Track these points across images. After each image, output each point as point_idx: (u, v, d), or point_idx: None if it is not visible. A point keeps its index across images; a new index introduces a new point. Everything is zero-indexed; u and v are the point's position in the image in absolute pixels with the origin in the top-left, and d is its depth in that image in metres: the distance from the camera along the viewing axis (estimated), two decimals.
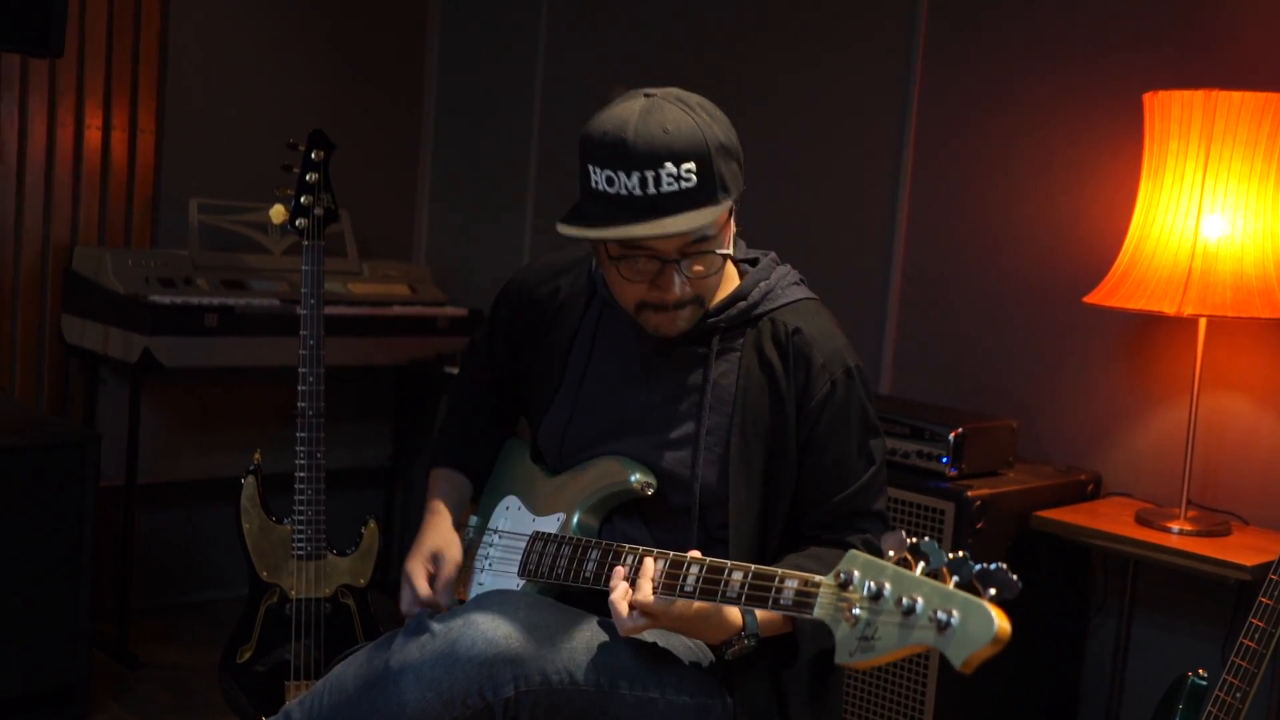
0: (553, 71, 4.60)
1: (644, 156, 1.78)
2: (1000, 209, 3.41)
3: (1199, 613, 3.03)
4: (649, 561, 1.75)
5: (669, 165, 1.78)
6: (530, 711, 1.76)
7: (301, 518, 3.05)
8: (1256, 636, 2.32)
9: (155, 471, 4.16)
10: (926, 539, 1.44)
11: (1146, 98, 2.84)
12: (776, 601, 1.60)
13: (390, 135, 4.94)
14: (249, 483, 3.06)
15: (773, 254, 2.11)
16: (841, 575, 1.48)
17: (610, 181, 1.80)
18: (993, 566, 1.38)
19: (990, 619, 1.32)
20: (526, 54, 4.67)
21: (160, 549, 4.33)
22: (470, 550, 2.11)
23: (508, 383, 2.24)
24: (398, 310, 4.40)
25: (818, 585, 1.55)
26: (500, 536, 2.06)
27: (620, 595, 1.75)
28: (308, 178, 3.12)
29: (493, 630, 1.75)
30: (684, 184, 1.79)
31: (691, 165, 1.79)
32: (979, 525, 2.87)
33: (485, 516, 2.12)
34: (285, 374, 3.21)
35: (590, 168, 1.83)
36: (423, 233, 5.06)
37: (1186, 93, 2.73)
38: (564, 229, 1.88)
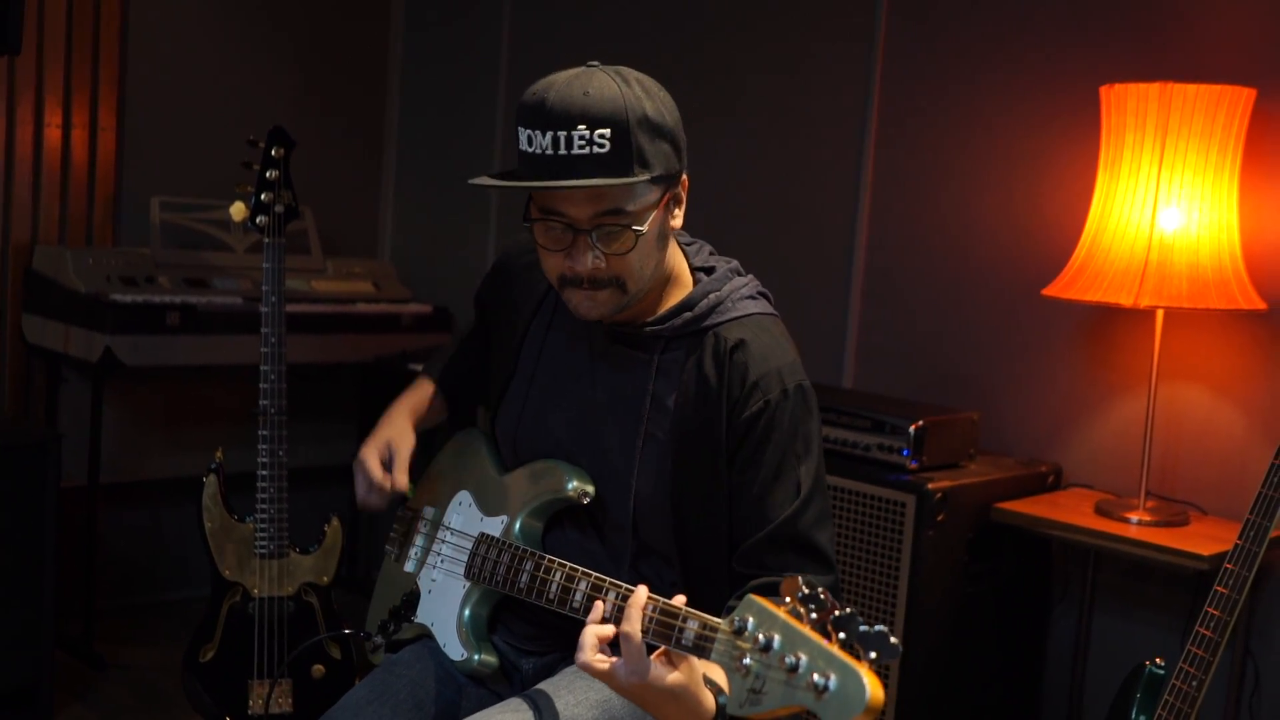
0: (517, 68, 4.59)
1: (559, 117, 1.76)
2: (960, 202, 3.43)
3: (1159, 602, 3.06)
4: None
5: (582, 128, 1.75)
6: None
7: (264, 516, 3.05)
8: (1212, 625, 2.34)
9: (118, 471, 4.15)
10: (820, 590, 1.43)
11: (1103, 91, 2.86)
12: (679, 641, 1.56)
13: (354, 132, 4.92)
14: (210, 481, 3.06)
15: (734, 263, 2.04)
16: (736, 622, 1.46)
17: (530, 141, 1.79)
18: (875, 629, 1.38)
19: (863, 689, 1.31)
20: (491, 50, 4.67)
21: (123, 548, 4.31)
22: (427, 541, 2.12)
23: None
24: (361, 308, 4.39)
25: (715, 630, 1.52)
26: (452, 534, 2.07)
27: (598, 631, 1.63)
28: (268, 175, 3.12)
29: None
30: (596, 149, 1.75)
31: (606, 132, 1.75)
32: (940, 517, 2.88)
33: (441, 509, 2.12)
34: (248, 372, 3.20)
35: (518, 129, 1.82)
36: (387, 230, 5.05)
37: (1142, 85, 2.76)
38: (473, 180, 1.88)
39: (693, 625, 1.56)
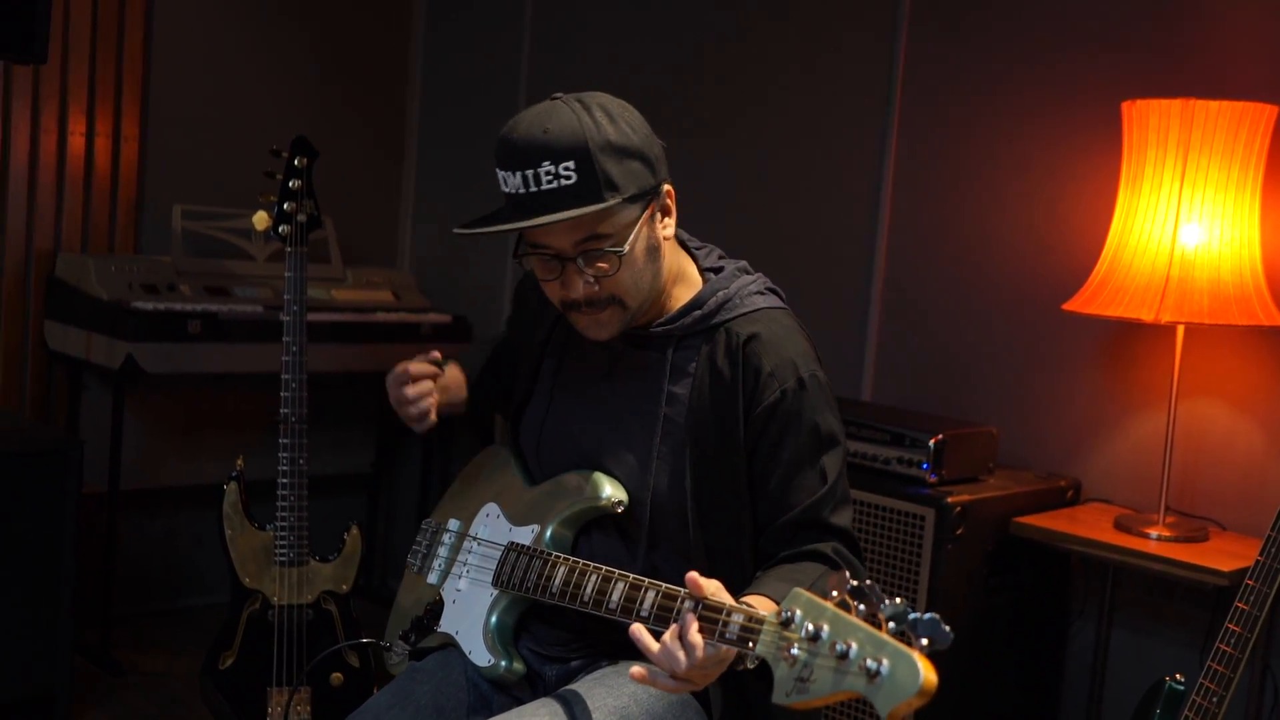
0: (537, 79, 4.61)
1: (523, 156, 1.83)
2: (980, 216, 3.43)
3: (1178, 618, 3.05)
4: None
5: (546, 164, 1.82)
6: None
7: (284, 524, 3.06)
8: (1233, 642, 2.33)
9: (138, 478, 4.16)
10: (868, 582, 1.45)
11: (1125, 106, 2.86)
12: (722, 635, 1.59)
13: (375, 141, 4.94)
14: (231, 489, 3.07)
15: (742, 262, 2.09)
16: (784, 614, 1.49)
17: (505, 181, 1.87)
18: (926, 616, 1.40)
19: (917, 671, 1.34)
20: (511, 61, 4.68)
21: (143, 555, 4.33)
22: (452, 552, 2.13)
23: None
24: (381, 317, 4.40)
25: (761, 622, 1.55)
26: (479, 544, 2.08)
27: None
28: (291, 184, 3.14)
29: None
30: (563, 181, 1.82)
31: (570, 164, 1.82)
32: (959, 531, 2.88)
33: (466, 521, 2.13)
34: (268, 380, 3.21)
35: (497, 170, 1.90)
36: (407, 239, 5.06)
37: (1164, 101, 2.75)
38: (457, 229, 1.97)
39: (737, 619, 1.59)
